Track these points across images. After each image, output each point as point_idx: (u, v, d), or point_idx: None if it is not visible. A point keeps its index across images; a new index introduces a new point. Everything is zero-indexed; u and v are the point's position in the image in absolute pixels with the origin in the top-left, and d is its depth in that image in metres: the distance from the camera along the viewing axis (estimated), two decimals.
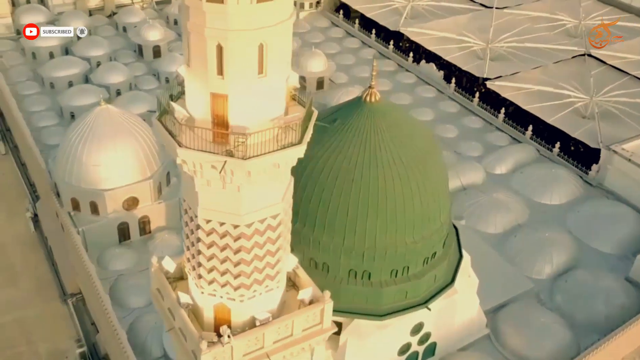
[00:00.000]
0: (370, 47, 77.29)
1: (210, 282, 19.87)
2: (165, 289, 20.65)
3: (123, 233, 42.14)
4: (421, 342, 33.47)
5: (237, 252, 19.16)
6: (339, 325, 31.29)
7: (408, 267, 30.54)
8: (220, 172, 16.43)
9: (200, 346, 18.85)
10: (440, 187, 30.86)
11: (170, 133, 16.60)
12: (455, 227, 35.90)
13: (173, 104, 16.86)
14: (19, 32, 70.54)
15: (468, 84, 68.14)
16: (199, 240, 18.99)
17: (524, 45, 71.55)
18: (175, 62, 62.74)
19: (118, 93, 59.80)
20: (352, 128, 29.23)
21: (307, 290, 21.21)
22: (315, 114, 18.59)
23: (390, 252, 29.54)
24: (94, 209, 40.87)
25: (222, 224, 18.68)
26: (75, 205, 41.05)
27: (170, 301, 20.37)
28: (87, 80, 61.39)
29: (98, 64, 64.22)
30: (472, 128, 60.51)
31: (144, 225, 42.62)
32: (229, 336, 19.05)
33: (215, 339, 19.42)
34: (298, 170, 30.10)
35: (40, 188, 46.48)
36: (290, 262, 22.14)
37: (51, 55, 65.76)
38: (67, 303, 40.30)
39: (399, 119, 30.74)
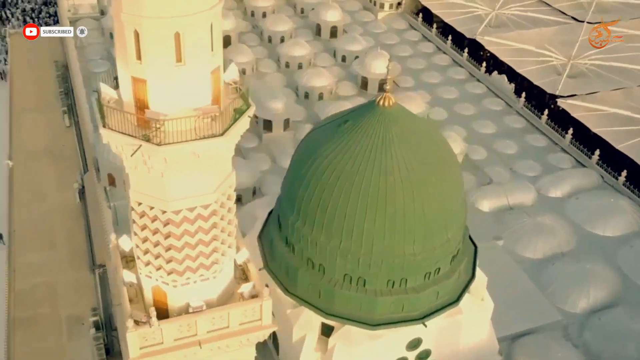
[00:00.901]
0: (445, 53, 76.01)
1: (147, 264, 20.64)
2: (117, 266, 21.68)
3: None
4: (420, 358, 32.80)
5: (167, 237, 19.70)
6: (331, 328, 31.41)
7: (406, 280, 30.01)
8: (131, 155, 17.12)
9: (126, 324, 19.72)
10: (451, 200, 30.03)
11: (102, 114, 17.46)
12: (475, 245, 34.78)
13: (102, 84, 17.77)
14: (103, 12, 75.28)
15: (550, 100, 65.27)
16: (133, 221, 19.85)
17: (609, 64, 67.91)
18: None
19: None
20: (361, 130, 29.12)
21: (248, 285, 21.54)
22: (252, 108, 18.83)
23: (387, 261, 29.17)
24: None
25: (151, 207, 19.26)
26: (112, 181, 43.41)
27: (118, 278, 21.41)
28: None
29: None
30: (535, 146, 58.14)
31: None
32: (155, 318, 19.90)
33: (145, 319, 20.20)
34: (303, 168, 30.79)
35: (88, 162, 49.58)
36: (240, 255, 22.57)
37: None
38: (95, 273, 42.69)
39: (413, 127, 30.26)
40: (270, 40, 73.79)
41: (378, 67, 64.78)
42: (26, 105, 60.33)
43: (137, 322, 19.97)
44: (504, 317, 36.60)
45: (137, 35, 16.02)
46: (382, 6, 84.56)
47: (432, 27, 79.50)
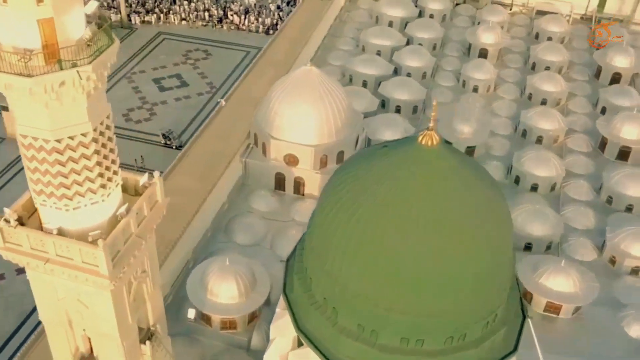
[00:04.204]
0: None
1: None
2: None
3: (279, 182, 48.09)
4: None
5: (23, 157, 22.94)
6: (302, 344, 31.55)
7: (377, 334, 28.42)
8: None
9: None
10: (457, 274, 26.49)
11: None
12: (515, 351, 30.30)
13: None
14: None
15: None
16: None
17: None
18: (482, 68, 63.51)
19: (408, 75, 64.34)
20: (387, 161, 28.07)
21: (96, 232, 23.55)
22: (87, 67, 19.92)
23: (360, 305, 27.87)
24: (264, 150, 47.76)
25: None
26: (255, 141, 48.71)
27: None
28: (391, 54, 67.44)
29: (419, 45, 69.57)
30: None
31: (298, 186, 47.68)
32: (15, 221, 23.61)
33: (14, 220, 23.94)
34: (331, 179, 30.90)
35: None
36: (123, 208, 25.15)
37: (390, 24, 73.70)
38: None
39: (451, 173, 27.31)
40: (533, 67, 70.04)
41: (625, 130, 57.03)
42: (270, 59, 69.17)
43: (6, 220, 24.33)
44: None
45: None
46: None
47: None
